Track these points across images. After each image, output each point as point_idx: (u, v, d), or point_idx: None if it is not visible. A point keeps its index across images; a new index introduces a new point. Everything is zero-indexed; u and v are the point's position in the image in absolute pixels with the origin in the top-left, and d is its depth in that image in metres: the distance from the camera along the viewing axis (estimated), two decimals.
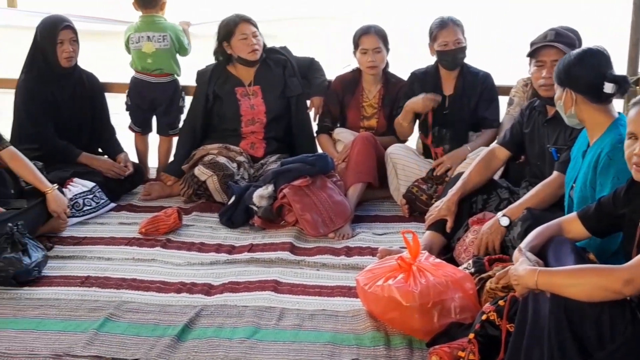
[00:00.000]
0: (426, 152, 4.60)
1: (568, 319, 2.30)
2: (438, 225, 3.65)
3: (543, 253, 2.56)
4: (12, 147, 4.02)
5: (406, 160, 4.42)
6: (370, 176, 4.40)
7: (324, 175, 4.25)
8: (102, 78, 4.92)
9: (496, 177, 3.88)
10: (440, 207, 3.66)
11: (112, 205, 4.51)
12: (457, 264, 3.31)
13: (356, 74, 4.77)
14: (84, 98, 4.70)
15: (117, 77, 5.21)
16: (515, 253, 2.59)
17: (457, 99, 4.48)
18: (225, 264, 3.74)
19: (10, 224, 3.55)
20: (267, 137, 4.76)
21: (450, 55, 4.40)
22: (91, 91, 4.76)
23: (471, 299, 2.97)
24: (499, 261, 3.15)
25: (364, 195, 4.43)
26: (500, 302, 2.63)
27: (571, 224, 2.70)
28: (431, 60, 4.56)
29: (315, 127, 4.89)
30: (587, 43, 3.30)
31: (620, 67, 2.99)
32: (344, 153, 4.54)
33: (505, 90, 4.54)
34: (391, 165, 4.42)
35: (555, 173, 3.36)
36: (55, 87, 4.57)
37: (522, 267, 2.46)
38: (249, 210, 4.17)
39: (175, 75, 4.93)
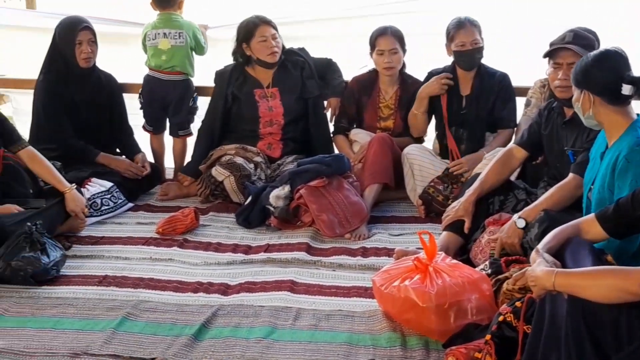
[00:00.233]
0: (443, 153, 4.59)
1: (585, 321, 2.29)
2: (455, 226, 3.64)
3: (560, 254, 2.54)
4: (31, 147, 4.05)
5: (423, 160, 4.42)
6: (386, 177, 4.40)
7: (341, 175, 4.25)
8: (120, 79, 4.93)
9: (512, 178, 3.86)
10: (458, 208, 3.65)
11: (130, 205, 4.54)
12: (473, 266, 3.30)
13: (373, 75, 4.77)
14: (102, 98, 4.72)
15: (134, 78, 5.22)
16: (533, 254, 2.58)
17: (474, 99, 4.48)
18: (242, 264, 3.75)
19: (29, 224, 3.57)
20: (284, 138, 4.77)
21: (468, 55, 4.39)
22: (109, 92, 4.79)
23: (488, 300, 2.95)
24: (516, 262, 3.13)
25: (380, 196, 4.43)
26: (517, 304, 2.62)
27: (589, 225, 2.68)
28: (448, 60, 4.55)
29: (332, 128, 4.89)
30: (605, 44, 3.27)
31: (638, 68, 2.96)
32: (361, 154, 4.54)
33: (523, 91, 4.51)
34: (408, 166, 4.42)
35: (571, 175, 3.34)
36: (74, 87, 4.59)
37: (539, 268, 2.45)
38: (265, 210, 4.18)
39: (189, 76, 4.92)
